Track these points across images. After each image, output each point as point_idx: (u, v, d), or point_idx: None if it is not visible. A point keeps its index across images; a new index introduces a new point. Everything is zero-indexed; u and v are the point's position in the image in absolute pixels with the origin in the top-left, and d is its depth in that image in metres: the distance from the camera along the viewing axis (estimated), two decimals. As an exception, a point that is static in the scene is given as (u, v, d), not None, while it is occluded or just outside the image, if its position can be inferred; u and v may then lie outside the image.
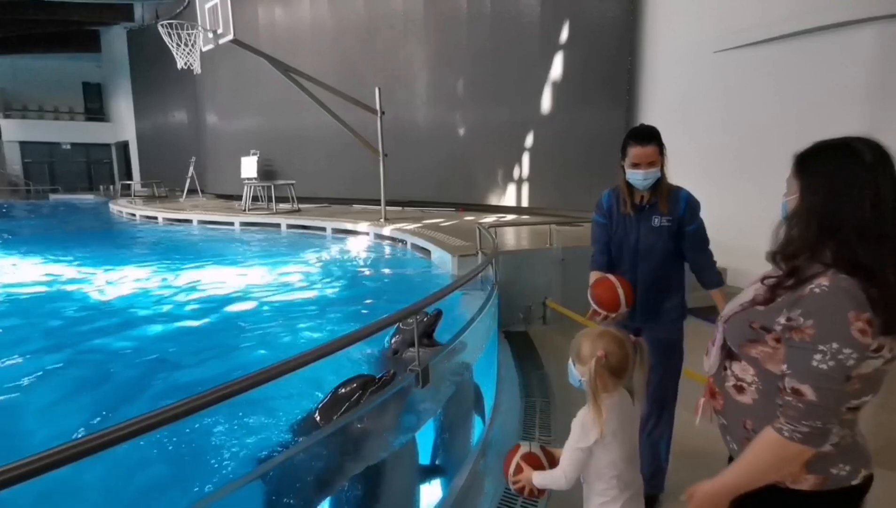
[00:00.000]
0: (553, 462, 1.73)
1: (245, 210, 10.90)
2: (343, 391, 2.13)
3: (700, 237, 2.35)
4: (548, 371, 4.15)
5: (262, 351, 4.20)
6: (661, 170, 2.28)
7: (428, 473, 2.48)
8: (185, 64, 7.50)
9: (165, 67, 16.94)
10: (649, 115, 7.35)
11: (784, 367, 1.15)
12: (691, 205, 2.32)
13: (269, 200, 11.10)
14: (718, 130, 6.25)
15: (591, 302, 2.20)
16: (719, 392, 1.34)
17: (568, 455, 1.62)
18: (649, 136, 2.28)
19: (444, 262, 5.60)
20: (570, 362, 1.66)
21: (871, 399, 1.17)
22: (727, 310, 1.33)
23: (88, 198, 20.58)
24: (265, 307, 5.32)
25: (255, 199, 11.70)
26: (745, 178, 5.79)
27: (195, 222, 10.82)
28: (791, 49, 5.56)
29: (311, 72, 8.52)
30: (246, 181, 11.66)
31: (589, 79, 7.78)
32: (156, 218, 11.72)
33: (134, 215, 12.65)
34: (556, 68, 8.12)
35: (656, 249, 2.32)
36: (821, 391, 1.09)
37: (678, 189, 2.33)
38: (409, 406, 2.00)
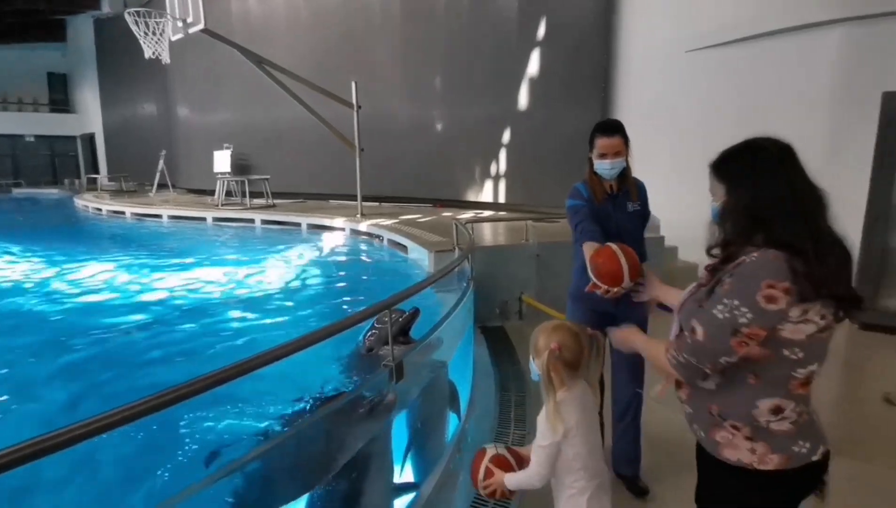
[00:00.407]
0: (521, 462, 1.74)
1: (218, 205, 10.67)
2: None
3: (647, 220, 2.63)
4: (523, 366, 4.18)
5: (236, 348, 4.12)
6: (626, 160, 2.47)
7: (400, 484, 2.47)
8: (154, 54, 7.27)
9: (134, 57, 16.38)
10: (624, 112, 7.44)
11: (697, 317, 1.31)
12: (645, 191, 2.62)
13: (244, 195, 10.88)
14: (690, 128, 6.36)
15: (591, 275, 1.93)
16: (684, 382, 1.40)
17: (537, 453, 1.63)
18: (615, 128, 2.47)
19: (420, 257, 5.58)
20: (531, 357, 1.67)
21: (818, 369, 1.28)
22: (681, 299, 1.46)
23: (53, 192, 19.88)
24: (239, 304, 5.22)
25: (228, 194, 11.46)
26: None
27: (165, 218, 10.55)
28: (758, 50, 5.69)
29: (286, 65, 8.36)
30: (219, 176, 11.40)
31: (565, 76, 7.83)
32: (123, 213, 11.38)
33: (100, 209, 12.26)
34: (533, 65, 8.15)
35: (631, 233, 2.47)
36: (709, 335, 1.26)
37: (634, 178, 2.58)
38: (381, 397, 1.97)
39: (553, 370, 1.58)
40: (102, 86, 20.41)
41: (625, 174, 2.49)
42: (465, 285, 3.47)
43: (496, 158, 8.88)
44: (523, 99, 8.37)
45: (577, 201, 2.52)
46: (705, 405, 1.36)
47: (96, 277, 6.28)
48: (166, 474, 2.49)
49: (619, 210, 2.50)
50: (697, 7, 6.31)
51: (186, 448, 2.63)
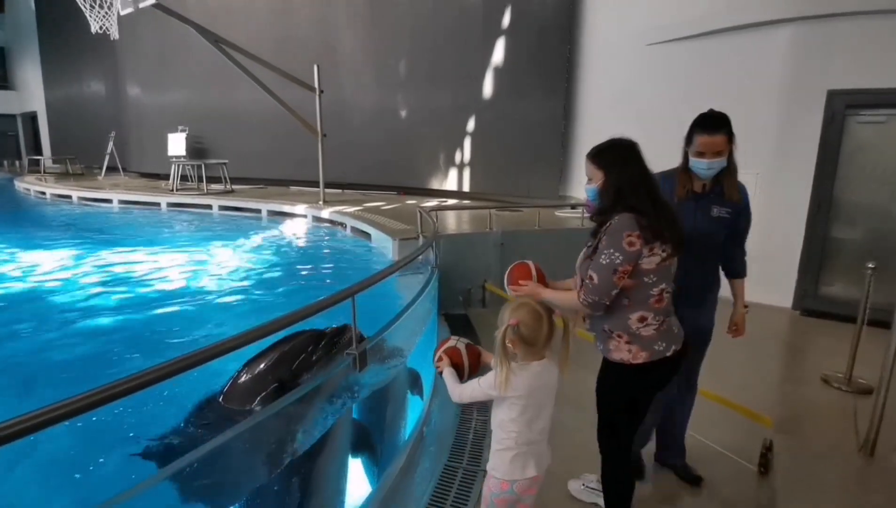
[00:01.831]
0: (471, 361, 1.96)
1: (173, 190, 10.24)
2: (287, 347, 2.09)
3: (747, 231, 2.41)
4: (485, 351, 4.23)
5: (191, 340, 4.00)
6: (730, 159, 2.23)
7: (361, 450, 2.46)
8: (101, 28, 6.84)
9: (80, 31, 15.42)
10: (587, 102, 7.56)
11: (590, 265, 1.87)
12: (748, 198, 2.35)
13: (200, 180, 10.50)
14: (651, 119, 6.50)
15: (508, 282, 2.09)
16: (586, 316, 2.03)
17: (472, 386, 1.82)
18: (719, 123, 2.21)
19: (384, 245, 5.54)
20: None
21: (667, 287, 1.90)
22: (578, 261, 2.00)
23: (-10, 174, 18.62)
24: (196, 294, 5.05)
25: (183, 178, 11.02)
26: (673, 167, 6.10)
27: (116, 203, 10.05)
28: (714, 46, 5.87)
29: (246, 46, 8.07)
30: (174, 159, 10.94)
31: (530, 65, 7.87)
32: (70, 197, 10.78)
33: (44, 193, 11.57)
34: (498, 53, 8.16)
35: (710, 239, 2.28)
36: (600, 277, 1.82)
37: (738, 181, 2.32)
38: (344, 386, 1.96)
39: (509, 343, 1.71)
40: (45, 61, 19.14)
41: (724, 174, 2.25)
42: (429, 272, 3.46)
43: (461, 146, 8.87)
44: (488, 87, 8.37)
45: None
46: (600, 325, 1.97)
47: (37, 265, 5.94)
48: (107, 470, 2.39)
49: (702, 213, 2.28)
50: (655, 2, 6.44)
51: (125, 443, 2.51)
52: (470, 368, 1.96)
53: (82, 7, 6.70)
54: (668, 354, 1.91)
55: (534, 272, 2.05)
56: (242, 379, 2.12)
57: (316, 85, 7.83)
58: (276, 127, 10.32)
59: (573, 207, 7.26)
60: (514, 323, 1.70)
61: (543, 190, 7.84)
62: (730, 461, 2.75)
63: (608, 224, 1.84)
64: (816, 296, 5.44)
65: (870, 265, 3.54)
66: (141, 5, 6.44)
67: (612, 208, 1.86)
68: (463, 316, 5.07)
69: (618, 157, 1.92)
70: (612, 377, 2.01)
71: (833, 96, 5.13)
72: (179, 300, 4.87)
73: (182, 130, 11.48)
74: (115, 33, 6.75)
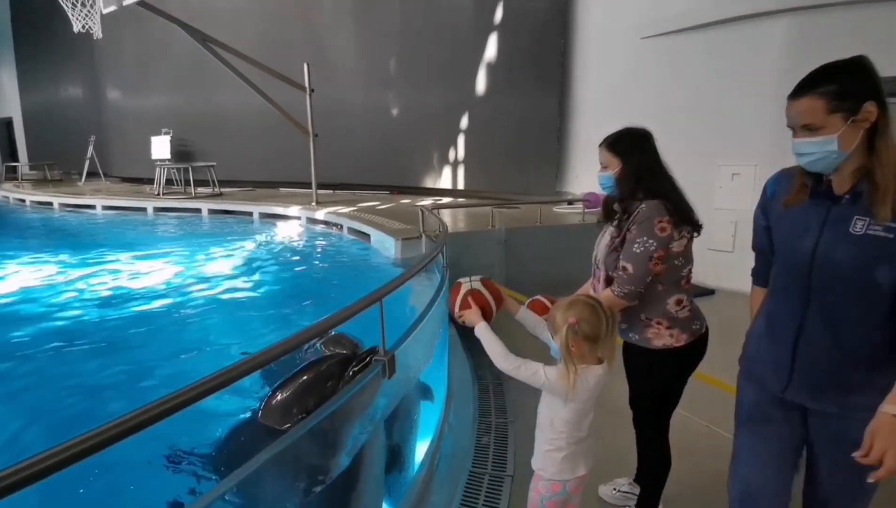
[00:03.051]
0: (496, 296, 1.90)
1: (159, 194, 10.00)
2: (317, 371, 2.00)
3: None
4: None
5: (187, 353, 3.82)
6: (871, 139, 1.25)
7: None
8: (84, 28, 6.60)
9: (57, 33, 15.05)
10: (582, 97, 7.53)
11: (620, 256, 1.89)
12: None
13: (187, 183, 10.25)
14: (646, 113, 6.47)
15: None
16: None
17: (531, 369, 1.68)
18: (807, 82, 1.33)
19: (384, 246, 5.43)
20: (550, 335, 1.71)
21: (692, 266, 1.96)
22: (600, 255, 2.04)
23: (-35, 182, 18.04)
24: (189, 302, 4.87)
25: (168, 182, 10.76)
26: (670, 161, 6.10)
27: (99, 208, 9.77)
28: (711, 38, 5.86)
29: (233, 45, 7.88)
30: (158, 163, 10.68)
31: (523, 61, 7.81)
32: (50, 204, 10.45)
33: (23, 200, 11.21)
34: (491, 50, 8.08)
35: (850, 271, 1.28)
36: (636, 266, 1.84)
37: None
38: (376, 394, 1.86)
39: (573, 344, 1.62)
40: (20, 65, 18.58)
41: (868, 168, 1.26)
42: (440, 273, 3.37)
43: (455, 144, 8.79)
44: (481, 84, 8.30)
45: (758, 209, 1.59)
46: (636, 315, 1.96)
47: (24, 274, 5.72)
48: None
49: (833, 226, 1.30)
50: (651, -5, 6.43)
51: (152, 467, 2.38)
52: (495, 305, 1.91)
53: (64, 6, 6.46)
54: (703, 331, 1.98)
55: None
56: (280, 398, 2.03)
57: (306, 84, 7.68)
58: (264, 128, 10.14)
59: (570, 202, 7.22)
60: (573, 322, 1.61)
61: (540, 186, 7.79)
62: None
63: (636, 213, 1.87)
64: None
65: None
66: (125, 3, 6.23)
67: (633, 194, 1.91)
68: (468, 316, 4.98)
69: (634, 144, 1.96)
70: (654, 365, 1.99)
71: (831, 87, 5.15)
72: (176, 308, 4.71)
73: (166, 133, 11.21)
74: (98, 32, 6.52)
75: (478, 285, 1.91)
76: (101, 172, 13.66)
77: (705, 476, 2.53)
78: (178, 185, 10.94)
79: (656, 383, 2.04)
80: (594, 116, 7.29)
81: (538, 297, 2.15)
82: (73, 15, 6.36)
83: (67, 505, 2.23)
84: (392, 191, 9.74)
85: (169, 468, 2.18)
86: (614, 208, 2.01)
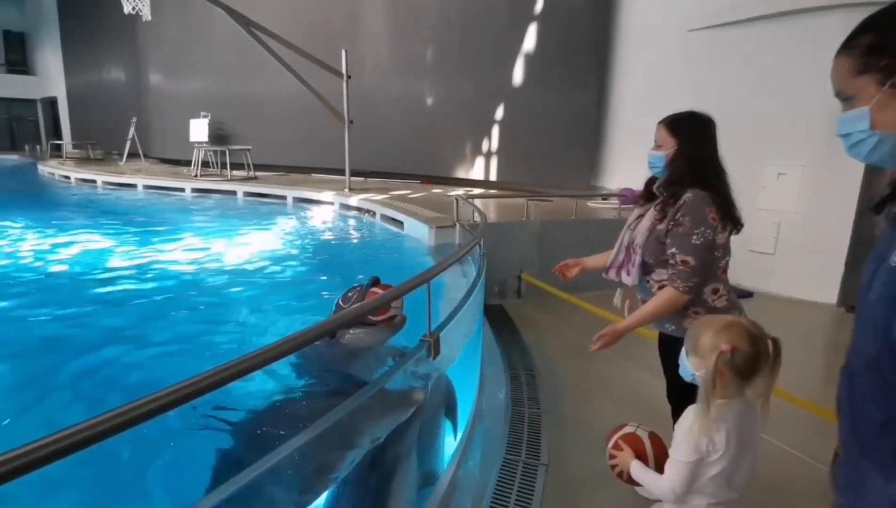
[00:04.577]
0: (657, 452, 1.61)
1: (196, 176, 10.24)
2: (349, 295, 2.05)
3: None
4: (527, 344, 4.14)
5: (232, 327, 3.93)
6: None
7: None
8: (134, 9, 6.78)
9: (100, 16, 15.49)
10: (621, 91, 7.39)
11: (672, 249, 1.84)
12: None
13: (223, 166, 10.47)
14: (688, 109, 6.35)
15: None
16: (647, 299, 1.97)
17: (674, 468, 1.41)
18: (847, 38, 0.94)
19: (418, 233, 5.45)
20: (683, 351, 1.47)
21: (729, 259, 1.92)
22: (638, 240, 1.97)
23: (12, 158, 18.79)
24: (226, 280, 4.98)
25: (204, 165, 11.00)
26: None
27: (140, 187, 10.07)
28: (761, 31, 5.67)
29: (270, 30, 7.97)
30: (196, 145, 10.92)
31: (561, 52, 7.70)
32: (94, 181, 10.81)
33: (68, 177, 11.61)
34: (529, 41, 7.98)
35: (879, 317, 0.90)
36: (698, 258, 1.80)
37: None
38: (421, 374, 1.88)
39: (718, 377, 1.34)
40: (65, 47, 19.21)
41: None
42: (477, 262, 3.37)
43: (488, 134, 8.74)
44: (518, 75, 8.21)
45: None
46: None
47: (72, 247, 5.94)
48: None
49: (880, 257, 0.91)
50: (699, -13, 6.24)
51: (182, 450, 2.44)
52: (656, 462, 1.62)
53: (115, -12, 6.62)
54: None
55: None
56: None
57: (343, 70, 7.72)
58: (299, 114, 10.26)
59: (604, 197, 7.12)
60: (726, 349, 1.33)
61: (574, 180, 7.70)
62: (802, 462, 2.65)
63: (682, 203, 1.82)
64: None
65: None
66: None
67: (682, 180, 1.85)
68: (499, 307, 4.98)
69: (695, 128, 1.90)
70: None
71: (888, 85, 4.93)
72: (214, 287, 4.82)
73: (204, 116, 11.46)
74: (147, 14, 6.69)
75: (642, 433, 1.71)
76: (140, 152, 14.05)
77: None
78: (213, 167, 11.18)
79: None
80: (633, 111, 7.14)
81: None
82: None
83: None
84: (422, 180, 9.76)
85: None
86: (655, 190, 1.97)
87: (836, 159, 5.34)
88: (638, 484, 1.65)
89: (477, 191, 8.59)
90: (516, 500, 2.31)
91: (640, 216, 2.02)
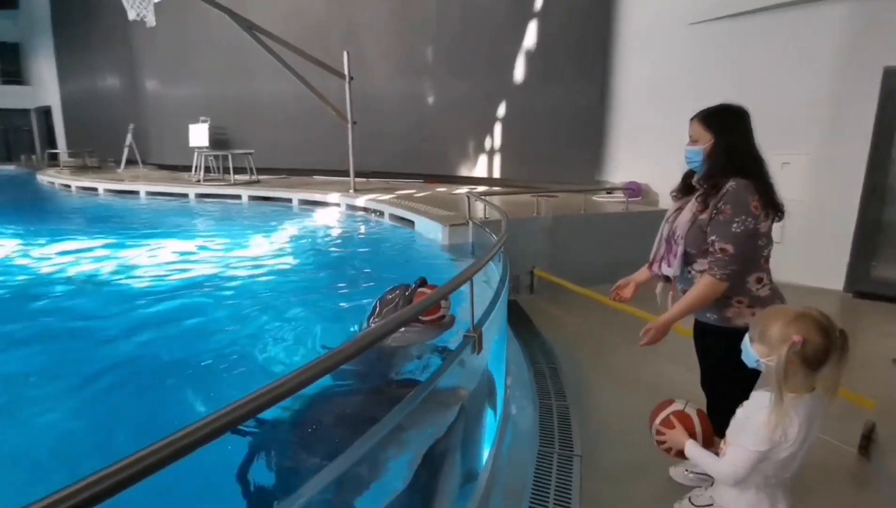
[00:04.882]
0: (705, 430, 1.66)
1: (199, 181, 10.25)
2: (389, 296, 2.09)
3: None
4: (546, 338, 4.20)
5: (245, 334, 3.92)
6: None
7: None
8: (138, 16, 6.76)
9: (94, 24, 15.44)
10: (624, 86, 7.44)
11: (713, 237, 1.87)
12: None
13: (225, 170, 10.48)
14: (691, 101, 6.39)
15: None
16: (688, 289, 2.00)
17: (741, 454, 1.44)
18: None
19: (430, 232, 5.50)
20: (747, 338, 1.50)
21: (772, 249, 1.95)
22: (679, 231, 1.99)
23: (9, 169, 18.71)
24: (242, 285, 4.98)
25: (206, 170, 11.00)
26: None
27: (143, 194, 10.06)
28: (763, 23, 5.73)
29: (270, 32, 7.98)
30: (197, 150, 10.92)
31: (564, 49, 7.75)
32: (95, 189, 10.79)
33: (69, 186, 11.59)
34: (530, 38, 8.03)
35: None
36: (737, 246, 1.84)
37: None
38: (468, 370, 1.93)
39: (789, 366, 1.36)
40: (59, 56, 19.11)
41: None
42: (500, 260, 3.42)
43: (491, 132, 8.78)
44: (520, 72, 8.25)
45: None
46: None
47: (81, 255, 5.95)
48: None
49: None
50: (699, -20, 6.29)
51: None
52: (704, 439, 1.66)
53: (120, -5, 6.60)
54: None
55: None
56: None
57: (346, 71, 7.74)
58: (299, 116, 10.27)
59: (609, 191, 7.18)
60: (798, 341, 1.34)
61: (579, 175, 7.75)
62: (829, 445, 2.71)
63: (725, 191, 1.86)
64: (869, 278, 5.36)
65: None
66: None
67: (722, 172, 1.88)
68: (513, 302, 5.02)
69: (730, 120, 1.94)
70: (734, 346, 1.79)
71: (890, 74, 5.00)
72: (231, 292, 4.83)
73: (203, 121, 11.45)
74: (151, 20, 6.68)
75: (691, 409, 1.74)
76: (139, 159, 14.01)
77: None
78: (215, 172, 11.18)
79: (736, 362, 2.00)
80: (637, 105, 7.20)
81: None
82: (127, 3, 6.49)
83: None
84: (425, 180, 9.79)
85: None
86: (693, 183, 2.01)
87: (839, 147, 5.41)
88: (679, 455, 1.69)
89: (481, 188, 8.63)
90: (555, 491, 2.36)
91: (679, 209, 2.05)
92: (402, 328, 2.15)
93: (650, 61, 6.98)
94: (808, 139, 5.45)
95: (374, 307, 2.33)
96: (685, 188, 2.09)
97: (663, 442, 1.72)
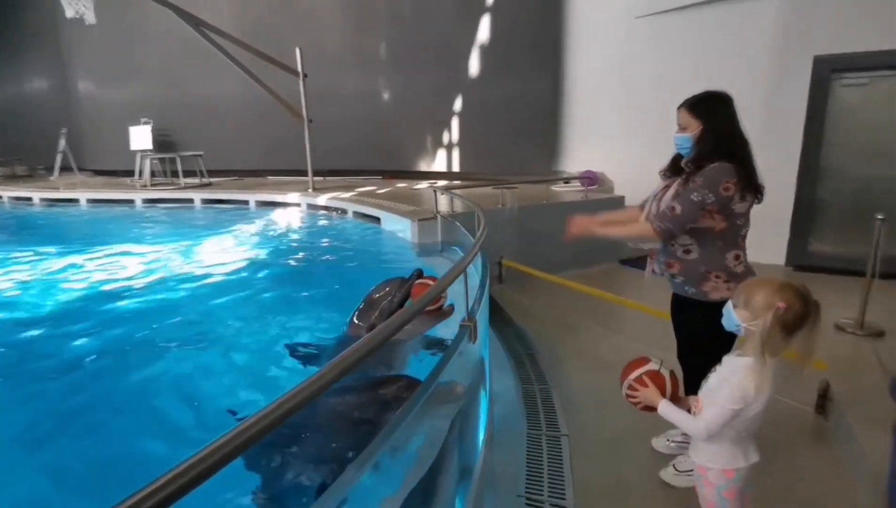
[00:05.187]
0: (674, 391, 1.75)
1: (146, 186, 9.76)
2: (377, 295, 2.10)
3: None
4: (521, 327, 4.31)
5: (215, 341, 3.78)
6: None
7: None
8: (77, 13, 6.34)
9: (17, 25, 14.33)
10: (577, 78, 7.66)
11: (675, 199, 2.05)
12: None
13: (173, 174, 10.04)
14: (641, 92, 6.68)
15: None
16: (674, 262, 2.20)
17: (718, 411, 1.56)
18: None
19: (397, 228, 5.50)
20: (730, 304, 1.61)
21: (748, 228, 2.10)
22: (664, 207, 2.10)
23: (-77, 181, 17.09)
24: (201, 292, 4.76)
25: (151, 174, 10.48)
26: (666, 138, 6.31)
27: (84, 202, 9.48)
28: (704, 16, 6.05)
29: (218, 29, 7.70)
30: (140, 153, 10.39)
31: (517, 42, 7.89)
32: (30, 199, 10.08)
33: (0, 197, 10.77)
34: (483, 31, 8.12)
35: None
36: (684, 210, 2.01)
37: None
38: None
39: (772, 330, 1.49)
40: (-24, 56, 17.60)
41: None
42: (480, 254, 3.47)
43: (448, 126, 8.84)
44: (474, 66, 8.34)
45: None
46: (696, 268, 2.13)
47: (17, 269, 5.57)
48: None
49: None
50: (644, -26, 6.56)
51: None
52: (672, 399, 1.75)
53: (57, -8, 6.15)
54: None
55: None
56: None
57: (299, 69, 7.59)
58: (250, 115, 9.98)
59: (566, 181, 7.39)
60: (782, 306, 1.47)
61: (536, 166, 7.94)
62: (788, 406, 2.94)
63: (707, 168, 1.99)
64: (807, 253, 5.79)
65: (879, 216, 3.80)
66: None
67: (710, 156, 2.01)
68: (484, 294, 5.12)
69: (715, 107, 2.07)
70: (711, 318, 1.93)
71: (819, 63, 5.40)
72: (190, 300, 4.65)
73: (145, 123, 10.89)
74: (91, 18, 6.29)
75: (665, 371, 1.78)
76: (74, 165, 13.17)
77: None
78: (160, 176, 10.68)
79: (712, 334, 2.03)
80: (589, 96, 7.44)
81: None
82: (66, 0, 6.09)
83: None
84: (384, 176, 9.75)
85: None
86: (683, 165, 2.14)
87: (776, 133, 5.79)
88: (650, 410, 1.78)
89: (441, 183, 8.68)
90: (548, 470, 2.46)
91: (667, 187, 2.18)
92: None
93: (599, 54, 7.23)
94: (749, 125, 5.79)
95: (367, 298, 2.35)
96: (674, 168, 2.21)
97: (634, 398, 1.79)
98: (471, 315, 2.07)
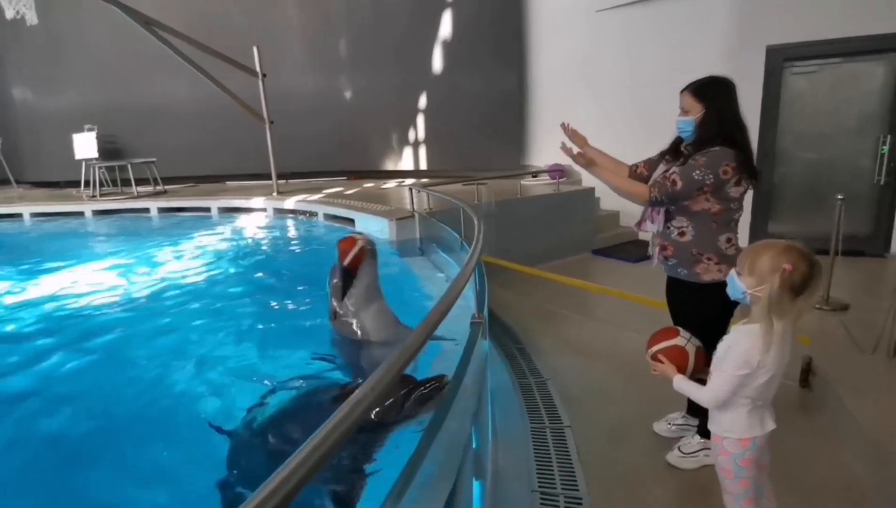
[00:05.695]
0: (698, 366, 1.78)
1: (94, 196, 9.22)
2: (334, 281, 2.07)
3: None
4: (505, 321, 4.32)
5: (184, 355, 3.59)
6: None
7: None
8: (17, 13, 5.89)
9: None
10: (541, 72, 7.74)
11: (674, 169, 2.10)
12: None
13: (124, 182, 9.52)
14: (604, 85, 6.82)
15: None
16: (668, 244, 2.24)
17: (724, 378, 1.58)
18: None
19: (373, 229, 5.39)
20: (733, 272, 1.60)
21: (742, 212, 2.18)
22: (662, 179, 2.13)
23: None
24: (165, 306, 4.49)
25: (100, 183, 9.89)
26: (633, 129, 6.44)
27: (27, 216, 8.87)
28: (662, 9, 6.23)
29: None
30: (86, 162, 9.80)
31: (479, 37, 7.89)
32: (-38, 217, 9.33)
33: (-75, 215, 9.90)
34: (445, 27, 8.09)
35: None
36: (684, 186, 2.05)
37: None
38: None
39: (780, 292, 1.46)
40: None
41: None
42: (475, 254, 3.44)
43: (414, 124, 8.76)
44: (437, 62, 8.30)
45: None
46: (688, 250, 2.17)
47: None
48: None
49: None
50: (601, -31, 6.68)
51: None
52: (695, 365, 1.77)
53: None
54: None
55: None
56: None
57: (258, 69, 7.33)
58: (205, 119, 9.60)
59: (534, 175, 7.47)
60: (789, 268, 1.44)
61: (504, 162, 7.98)
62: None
63: (706, 151, 2.04)
64: (767, 233, 6.07)
65: (839, 197, 4.00)
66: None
67: (712, 140, 2.05)
68: (465, 290, 5.10)
69: (719, 91, 2.09)
70: (703, 298, 2.14)
71: (772, 52, 5.66)
72: (153, 314, 4.38)
73: (90, 130, 10.27)
74: (32, 18, 5.85)
75: (691, 347, 1.80)
76: (10, 178, 12.30)
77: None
78: (109, 185, 10.12)
79: (704, 315, 2.13)
80: (554, 90, 7.53)
81: None
82: (8, 1, 5.62)
83: None
84: (349, 176, 9.58)
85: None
86: (683, 149, 2.19)
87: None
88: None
89: (409, 181, 8.60)
90: (557, 462, 2.46)
91: (667, 171, 2.21)
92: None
93: (562, 48, 7.33)
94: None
95: (332, 269, 2.48)
96: (674, 152, 2.25)
97: (656, 368, 1.84)
98: (480, 311, 2.04)
